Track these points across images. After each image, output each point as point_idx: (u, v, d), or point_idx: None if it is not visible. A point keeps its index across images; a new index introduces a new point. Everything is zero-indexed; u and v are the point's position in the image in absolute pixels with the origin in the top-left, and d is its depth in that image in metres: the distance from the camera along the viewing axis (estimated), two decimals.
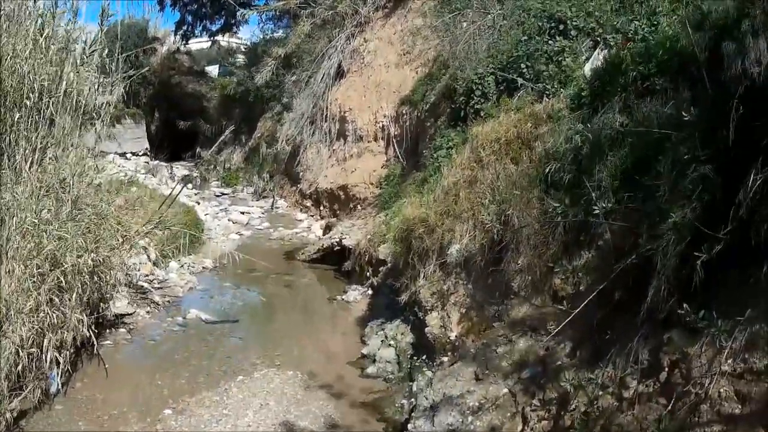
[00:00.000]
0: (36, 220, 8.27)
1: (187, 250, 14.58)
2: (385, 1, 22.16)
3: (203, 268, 14.29)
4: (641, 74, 6.94)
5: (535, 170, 7.66)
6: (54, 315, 7.84)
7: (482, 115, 10.53)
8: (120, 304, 10.82)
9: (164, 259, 13.56)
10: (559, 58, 10.23)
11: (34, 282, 7.80)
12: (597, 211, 5.69)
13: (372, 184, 18.12)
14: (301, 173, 22.16)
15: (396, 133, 18.27)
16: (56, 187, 9.29)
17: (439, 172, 10.06)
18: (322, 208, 20.56)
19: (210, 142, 34.62)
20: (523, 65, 10.42)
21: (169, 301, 11.92)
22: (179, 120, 37.00)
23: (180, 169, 31.60)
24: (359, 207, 16.97)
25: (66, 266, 8.42)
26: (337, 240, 14.37)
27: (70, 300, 8.33)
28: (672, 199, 5.07)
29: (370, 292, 12.23)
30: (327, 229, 16.78)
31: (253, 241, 17.54)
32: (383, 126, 19.10)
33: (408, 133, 17.48)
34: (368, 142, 19.59)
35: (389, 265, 11.20)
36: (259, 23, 33.07)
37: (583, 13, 10.90)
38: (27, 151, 9.30)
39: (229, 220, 19.73)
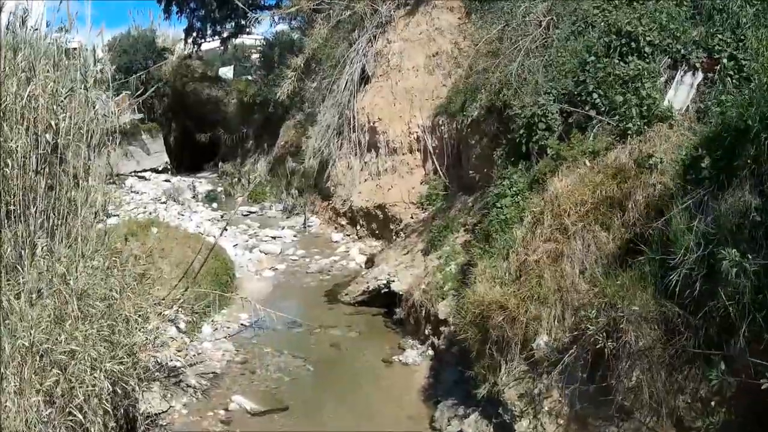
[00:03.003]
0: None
1: (220, 305, 13.38)
2: None
3: (239, 325, 12.97)
4: None
5: (648, 266, 6.14)
6: None
7: (550, 153, 9.02)
8: (152, 401, 9.57)
9: (195, 324, 12.34)
10: (636, 84, 8.64)
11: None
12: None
13: (413, 203, 16.70)
14: (333, 188, 20.77)
15: (434, 145, 16.78)
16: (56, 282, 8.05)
17: (507, 229, 8.59)
18: (358, 227, 19.16)
19: (231, 151, 33.47)
20: (595, 94, 8.84)
21: (206, 383, 10.60)
22: (197, 130, 35.84)
23: (202, 183, 30.37)
24: (402, 234, 15.52)
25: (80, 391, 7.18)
26: (385, 282, 12.97)
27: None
28: None
29: (430, 352, 10.82)
30: (369, 262, 15.38)
31: (289, 278, 16.18)
32: (418, 137, 17.64)
33: (448, 147, 16.00)
34: (402, 154, 18.13)
35: (452, 327, 9.78)
36: (271, 24, 31.68)
37: (655, 26, 9.28)
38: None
39: (260, 251, 18.38)
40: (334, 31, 22.11)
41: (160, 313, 11.08)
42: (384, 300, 13.08)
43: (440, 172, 16.11)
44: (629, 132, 8.17)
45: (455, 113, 15.51)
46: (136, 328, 9.06)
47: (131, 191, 25.80)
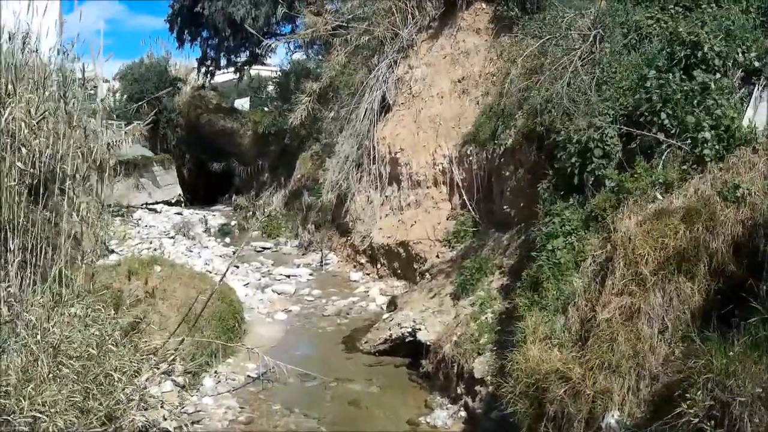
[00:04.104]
0: None
1: (225, 354, 12.02)
2: (429, 21, 19.34)
3: (246, 377, 11.56)
4: None
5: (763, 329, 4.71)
6: None
7: (608, 185, 7.64)
8: None
9: (195, 376, 10.97)
10: (708, 102, 7.26)
11: None
12: None
13: (438, 241, 15.31)
14: (351, 224, 19.45)
15: (461, 177, 15.43)
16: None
17: (561, 276, 7.20)
18: (379, 266, 17.78)
19: (246, 184, 32.48)
20: (663, 114, 7.43)
21: None
22: (212, 161, 34.91)
23: (216, 216, 29.20)
24: (427, 274, 14.10)
25: None
26: (410, 330, 11.56)
27: None
28: None
29: (463, 413, 9.35)
30: (391, 305, 13.97)
31: (303, 322, 14.78)
32: (443, 168, 16.30)
33: (477, 179, 14.64)
34: (427, 188, 16.79)
35: (490, 388, 8.34)
36: (287, 52, 30.75)
37: (721, 34, 7.94)
38: None
39: (273, 291, 17.02)
40: (352, 56, 20.94)
41: (153, 366, 9.81)
42: (408, 349, 11.66)
43: (469, 207, 14.73)
44: (706, 158, 6.79)
45: (485, 142, 14.22)
46: (120, 386, 7.79)
47: (138, 224, 24.58)
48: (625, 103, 8.22)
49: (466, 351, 9.40)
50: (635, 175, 7.27)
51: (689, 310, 5.64)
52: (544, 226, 8.10)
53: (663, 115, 7.43)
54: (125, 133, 30.92)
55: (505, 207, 12.64)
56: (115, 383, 7.75)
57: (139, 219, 26.31)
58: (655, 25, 9.06)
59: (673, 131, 7.37)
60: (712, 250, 5.82)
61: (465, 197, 15.02)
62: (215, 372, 11.46)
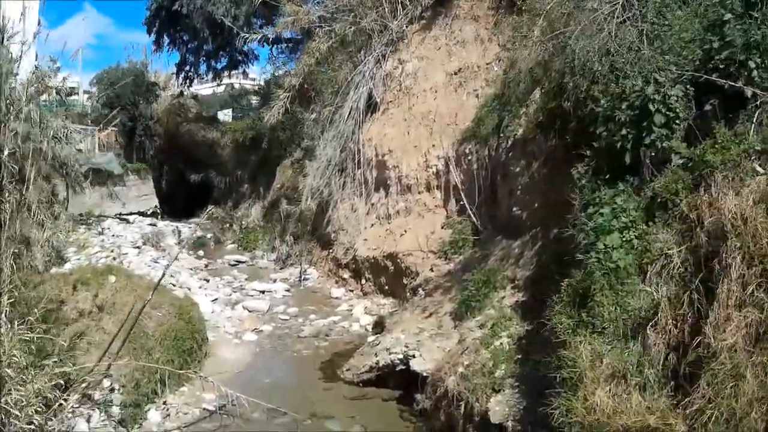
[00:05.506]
0: None
1: (177, 382, 9.94)
2: (421, 11, 17.46)
3: (202, 410, 9.47)
4: None
5: None
6: None
7: (675, 161, 5.63)
8: None
9: (137, 407, 8.86)
10: None
11: None
12: None
13: (432, 252, 13.29)
14: (333, 235, 17.48)
15: (460, 179, 13.41)
16: None
17: (619, 285, 5.14)
18: (364, 281, 15.78)
19: (224, 195, 30.61)
20: (751, 63, 5.43)
21: None
22: (191, 172, 32.93)
23: (192, 228, 27.13)
24: (420, 290, 12.05)
25: None
26: (401, 357, 9.50)
27: None
28: None
29: None
30: (378, 326, 11.96)
31: (276, 343, 12.75)
32: (438, 171, 14.37)
33: (478, 179, 12.69)
34: (419, 193, 14.84)
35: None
36: (269, 57, 28.95)
37: None
38: None
39: (244, 307, 14.92)
40: (336, 51, 18.98)
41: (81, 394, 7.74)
42: (399, 380, 9.69)
43: (469, 212, 12.70)
44: None
45: (488, 137, 12.36)
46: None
47: (102, 233, 22.43)
48: (690, 57, 6.20)
49: (477, 386, 7.34)
50: (717, 145, 5.26)
51: None
52: (589, 220, 5.96)
53: (751, 64, 5.45)
54: (96, 137, 29.03)
55: (514, 209, 10.64)
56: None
57: (107, 228, 24.19)
58: None
59: (759, 83, 5.39)
60: None
61: (464, 201, 12.99)
62: (163, 403, 9.42)
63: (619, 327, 4.88)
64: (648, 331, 4.56)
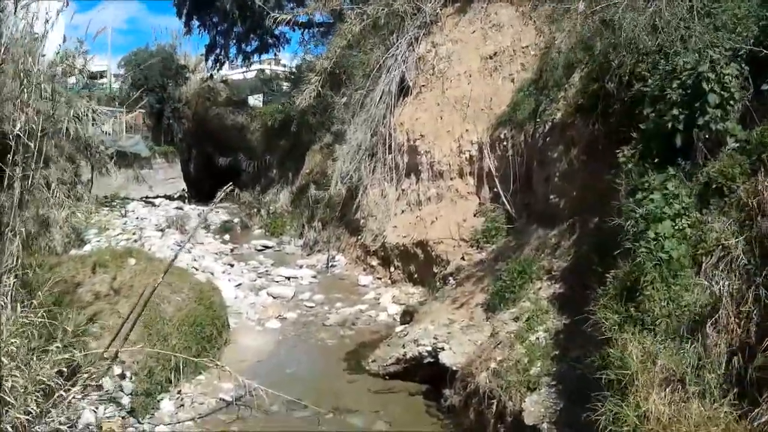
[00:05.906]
0: None
1: (194, 370, 9.60)
2: None
3: (218, 400, 9.10)
4: None
5: None
6: None
7: (731, 144, 5.15)
8: None
9: (149, 397, 8.54)
10: None
11: None
12: None
13: (464, 240, 12.83)
14: (362, 221, 17.07)
15: (495, 166, 12.94)
16: None
17: (672, 277, 4.68)
18: (392, 269, 15.36)
19: (253, 180, 30.36)
20: None
21: None
22: (219, 156, 32.77)
23: (219, 213, 26.99)
24: (451, 280, 11.62)
25: None
26: (429, 349, 9.09)
27: None
28: None
29: None
30: (407, 315, 11.53)
31: (300, 331, 12.38)
32: (471, 156, 13.88)
33: (513, 166, 12.19)
34: (450, 179, 14.37)
35: None
36: (300, 41, 28.61)
37: None
38: None
39: (268, 294, 14.60)
40: (368, 34, 18.54)
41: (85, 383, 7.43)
42: (427, 374, 9.25)
43: (504, 199, 12.21)
44: None
45: (524, 122, 11.85)
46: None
47: (125, 215, 22.30)
48: (745, 34, 5.70)
49: (511, 384, 6.88)
50: None
51: None
52: (638, 207, 5.47)
53: None
54: (122, 119, 29.00)
55: (551, 197, 10.16)
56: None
57: (131, 211, 24.03)
58: None
59: None
60: None
61: (498, 188, 12.52)
62: (178, 392, 9.07)
63: (672, 324, 4.42)
64: (708, 330, 4.10)
